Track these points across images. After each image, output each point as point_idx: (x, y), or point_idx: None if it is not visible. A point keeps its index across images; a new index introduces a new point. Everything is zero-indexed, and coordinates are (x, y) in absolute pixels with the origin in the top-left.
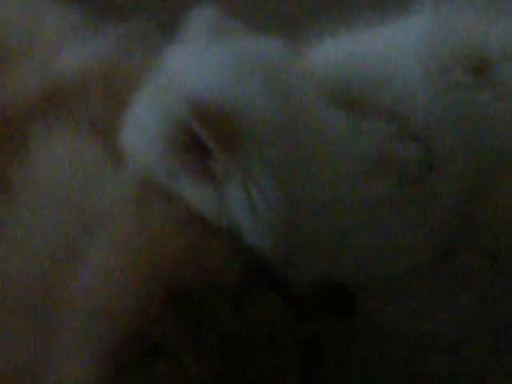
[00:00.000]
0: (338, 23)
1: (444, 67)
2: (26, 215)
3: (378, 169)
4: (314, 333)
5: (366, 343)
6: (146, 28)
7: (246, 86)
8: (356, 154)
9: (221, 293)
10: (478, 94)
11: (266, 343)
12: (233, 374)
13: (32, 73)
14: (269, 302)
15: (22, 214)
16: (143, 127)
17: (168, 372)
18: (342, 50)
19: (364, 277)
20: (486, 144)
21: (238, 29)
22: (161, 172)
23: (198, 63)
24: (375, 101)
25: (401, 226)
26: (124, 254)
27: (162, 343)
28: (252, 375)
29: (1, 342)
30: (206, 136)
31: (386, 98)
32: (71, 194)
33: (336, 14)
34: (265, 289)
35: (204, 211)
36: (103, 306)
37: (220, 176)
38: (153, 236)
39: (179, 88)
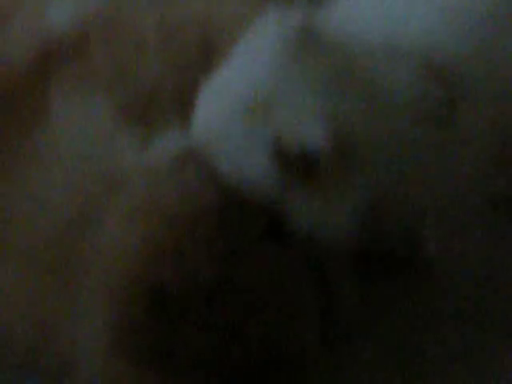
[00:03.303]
0: None
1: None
2: (48, 174)
3: (411, 109)
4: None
5: None
6: None
7: None
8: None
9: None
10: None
11: (278, 295)
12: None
13: (22, 32)
14: (272, 255)
15: (43, 173)
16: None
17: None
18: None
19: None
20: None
21: None
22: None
23: None
24: (398, 43)
25: (437, 167)
26: (133, 228)
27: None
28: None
29: (25, 296)
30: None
31: (406, 38)
32: (88, 156)
33: None
34: (265, 243)
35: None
36: (116, 272)
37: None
38: (159, 215)
39: None
